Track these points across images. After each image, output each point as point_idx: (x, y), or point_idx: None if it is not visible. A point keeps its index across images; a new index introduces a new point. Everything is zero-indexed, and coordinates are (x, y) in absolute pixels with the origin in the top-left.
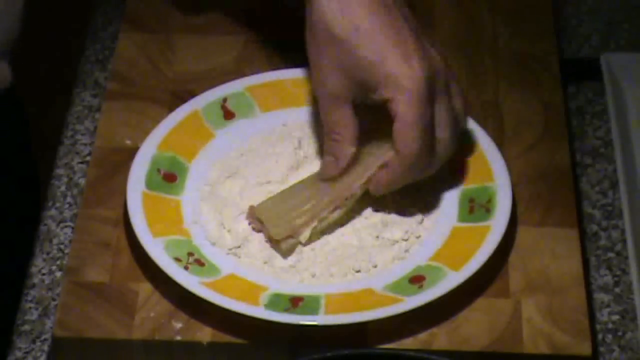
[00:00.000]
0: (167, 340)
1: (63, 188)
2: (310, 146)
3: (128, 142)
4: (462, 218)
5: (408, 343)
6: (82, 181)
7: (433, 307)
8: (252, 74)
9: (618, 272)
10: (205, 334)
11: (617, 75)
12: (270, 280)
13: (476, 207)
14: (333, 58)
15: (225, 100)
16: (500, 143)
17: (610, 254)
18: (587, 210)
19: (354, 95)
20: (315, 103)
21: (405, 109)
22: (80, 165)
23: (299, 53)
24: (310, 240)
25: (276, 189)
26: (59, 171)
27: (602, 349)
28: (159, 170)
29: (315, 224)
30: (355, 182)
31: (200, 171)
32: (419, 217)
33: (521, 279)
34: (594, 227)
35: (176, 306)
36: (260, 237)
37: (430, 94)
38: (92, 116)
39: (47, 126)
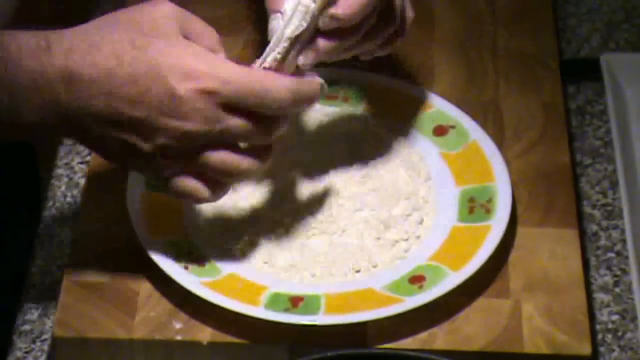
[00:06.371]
0: (167, 340)
1: (63, 188)
2: (310, 144)
3: None
4: (462, 218)
5: (408, 343)
6: (82, 181)
7: (433, 307)
8: None
9: (618, 272)
10: (205, 334)
11: (617, 75)
12: (270, 280)
13: (476, 207)
14: None
15: None
16: (500, 143)
17: (610, 254)
18: (587, 210)
19: None
20: None
21: None
22: (80, 165)
23: None
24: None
25: (275, 186)
26: (59, 171)
27: (602, 349)
28: None
29: None
30: None
31: None
32: (419, 217)
33: (521, 279)
34: (594, 227)
35: (176, 306)
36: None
37: None
38: None
39: None
